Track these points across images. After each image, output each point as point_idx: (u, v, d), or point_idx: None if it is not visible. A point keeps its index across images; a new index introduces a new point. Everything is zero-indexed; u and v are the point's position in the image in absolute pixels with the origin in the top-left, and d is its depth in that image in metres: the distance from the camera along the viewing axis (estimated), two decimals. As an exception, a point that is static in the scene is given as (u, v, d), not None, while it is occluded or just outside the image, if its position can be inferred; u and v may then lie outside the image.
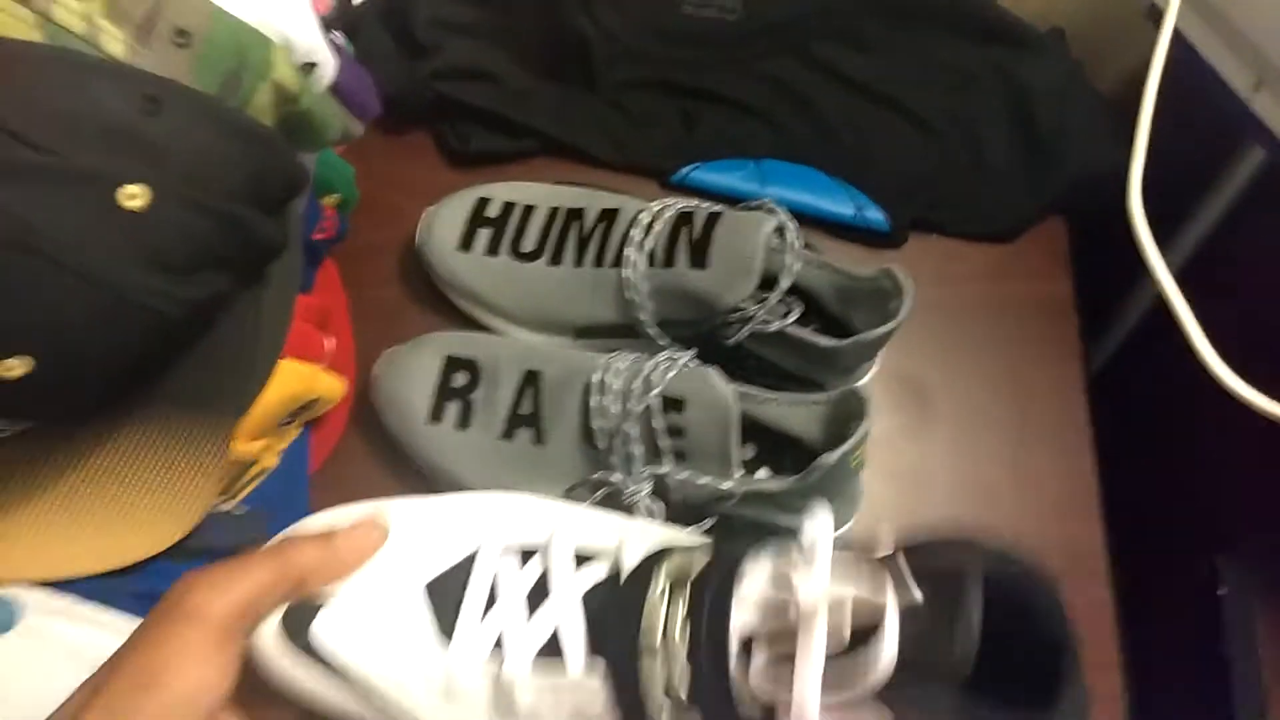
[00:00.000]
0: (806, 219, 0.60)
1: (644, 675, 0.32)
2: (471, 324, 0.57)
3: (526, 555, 0.37)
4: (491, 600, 0.35)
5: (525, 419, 0.50)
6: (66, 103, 0.29)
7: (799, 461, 0.47)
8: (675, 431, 0.48)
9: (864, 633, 0.30)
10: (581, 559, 0.36)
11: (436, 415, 0.51)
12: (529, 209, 0.55)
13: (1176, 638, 0.57)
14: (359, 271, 0.59)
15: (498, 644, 0.35)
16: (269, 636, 0.34)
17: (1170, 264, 0.63)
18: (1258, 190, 0.56)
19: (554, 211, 0.55)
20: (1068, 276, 0.61)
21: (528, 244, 0.54)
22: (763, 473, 0.53)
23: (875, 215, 0.60)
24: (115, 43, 0.32)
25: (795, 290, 0.52)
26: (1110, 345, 0.68)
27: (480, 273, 0.54)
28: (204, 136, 0.32)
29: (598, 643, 0.34)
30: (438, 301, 0.58)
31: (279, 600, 0.34)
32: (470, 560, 0.36)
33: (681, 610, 0.33)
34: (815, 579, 0.30)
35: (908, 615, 0.29)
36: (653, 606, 0.33)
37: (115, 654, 0.31)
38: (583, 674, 0.33)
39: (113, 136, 0.29)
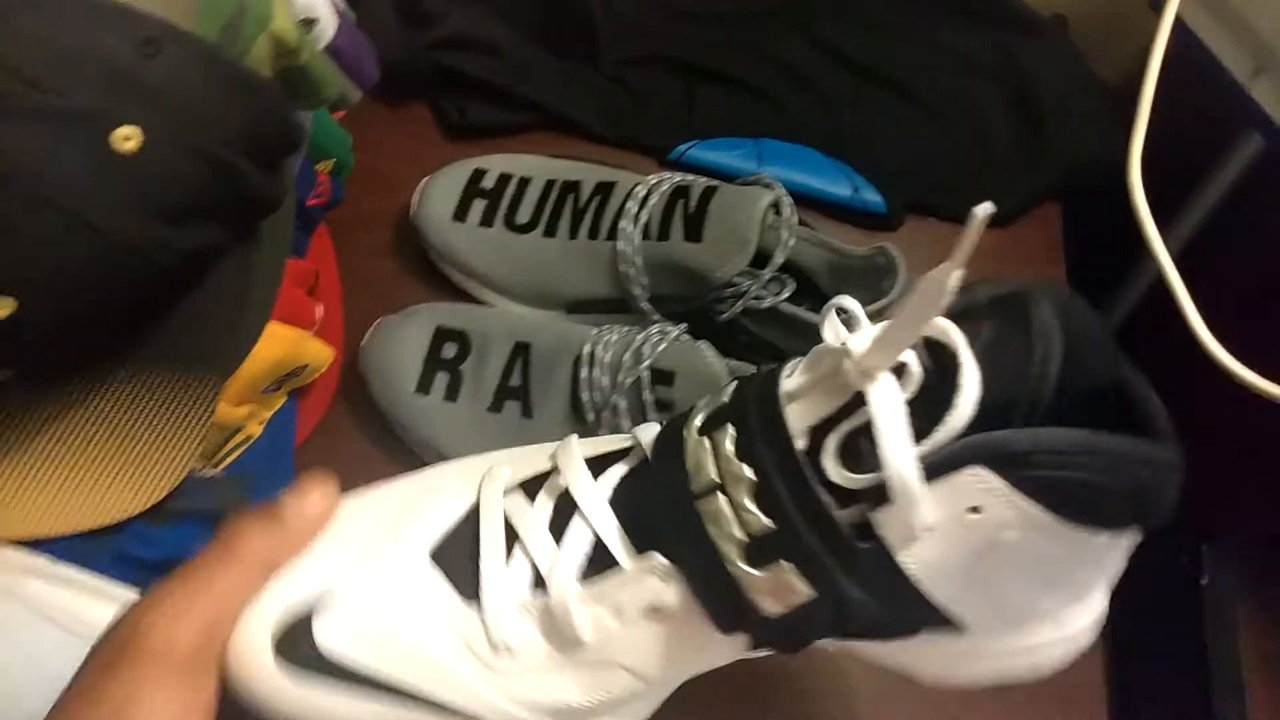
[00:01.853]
0: (803, 199, 0.60)
1: (708, 520, 0.28)
2: (464, 296, 0.57)
3: (531, 491, 0.32)
4: (511, 542, 0.31)
5: (514, 391, 0.50)
6: (66, 40, 0.28)
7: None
8: (664, 405, 0.47)
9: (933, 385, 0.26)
10: (595, 470, 0.32)
11: (424, 386, 0.51)
12: (525, 181, 0.55)
13: (1157, 625, 0.57)
14: (353, 241, 0.59)
15: (535, 582, 0.30)
16: (266, 670, 0.28)
17: (1169, 250, 0.63)
18: (1256, 177, 0.56)
19: (550, 184, 0.55)
20: (1060, 263, 0.61)
21: (522, 215, 0.54)
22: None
23: (872, 197, 0.60)
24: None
25: (790, 268, 0.52)
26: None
27: (474, 243, 0.54)
28: (201, 82, 0.31)
29: (645, 527, 0.29)
30: (431, 273, 0.57)
31: (245, 601, 0.29)
32: (473, 512, 0.31)
33: (729, 437, 0.28)
34: (866, 329, 0.26)
35: (977, 346, 0.26)
36: (694, 448, 0.28)
37: (72, 714, 0.26)
38: (636, 561, 0.29)
39: (110, 77, 0.29)
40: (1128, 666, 0.56)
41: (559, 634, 0.30)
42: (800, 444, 0.27)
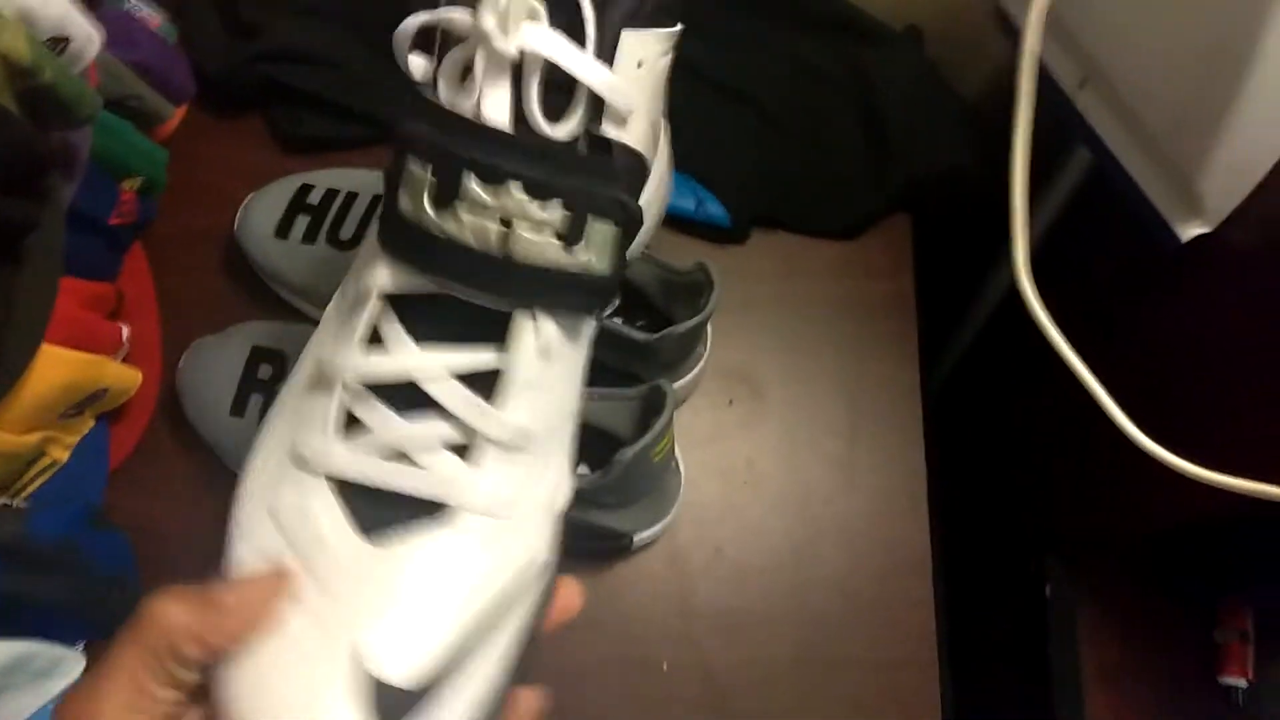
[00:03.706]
0: (649, 212, 0.60)
1: (533, 258, 0.28)
2: (294, 313, 0.55)
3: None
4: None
5: (330, 412, 0.49)
6: None
7: (617, 457, 0.46)
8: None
9: None
10: None
11: (239, 408, 0.50)
12: (352, 196, 0.54)
13: (999, 637, 0.57)
14: (180, 258, 0.57)
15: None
16: None
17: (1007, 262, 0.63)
18: (1087, 191, 0.56)
19: (377, 199, 0.53)
20: (909, 275, 0.61)
21: (346, 231, 0.53)
22: (581, 469, 0.52)
23: (716, 210, 0.59)
24: None
25: (622, 285, 0.51)
26: (958, 345, 0.68)
27: (296, 260, 0.53)
28: (-105, 107, 0.30)
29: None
30: (260, 290, 0.56)
31: (134, 687, 0.26)
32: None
33: (471, 192, 0.27)
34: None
35: None
36: (457, 229, 0.28)
37: None
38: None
39: None
40: (969, 677, 0.56)
41: None
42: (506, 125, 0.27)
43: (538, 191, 0.27)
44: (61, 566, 0.44)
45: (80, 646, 0.48)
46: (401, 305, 0.29)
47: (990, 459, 0.67)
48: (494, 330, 0.29)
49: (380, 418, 0.29)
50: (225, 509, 0.53)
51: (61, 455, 0.48)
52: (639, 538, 0.51)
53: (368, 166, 0.57)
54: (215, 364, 0.50)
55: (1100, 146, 0.51)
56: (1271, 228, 0.44)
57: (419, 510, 0.29)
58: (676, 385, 0.52)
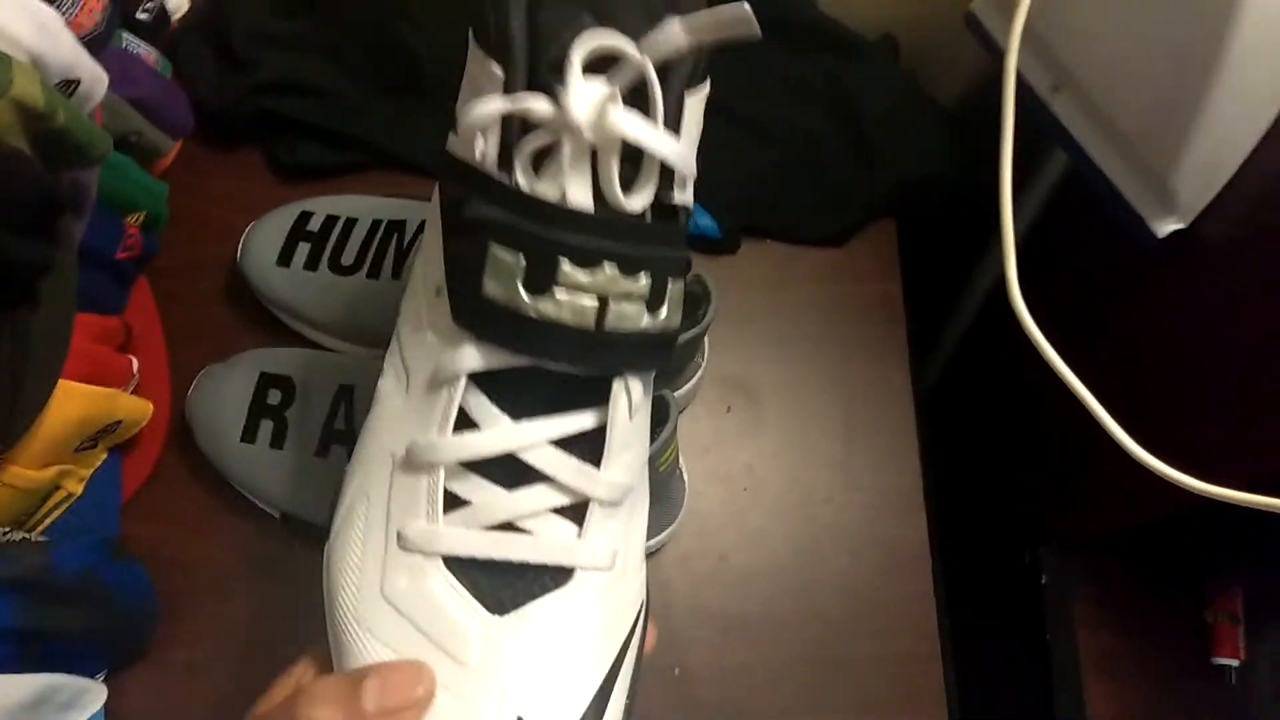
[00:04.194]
0: (641, 227, 0.61)
1: (627, 325, 0.29)
2: (299, 340, 0.56)
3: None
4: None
5: (339, 435, 0.50)
6: None
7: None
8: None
9: None
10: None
11: (250, 434, 0.50)
12: (351, 222, 0.55)
13: (998, 628, 0.59)
14: (187, 288, 0.58)
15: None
16: None
17: (991, 263, 0.65)
18: (1063, 192, 0.58)
19: (376, 224, 0.55)
20: (897, 278, 0.62)
21: (347, 257, 0.54)
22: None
23: (706, 222, 0.61)
24: None
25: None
26: (947, 344, 0.69)
27: (299, 287, 0.54)
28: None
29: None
30: (265, 317, 0.57)
31: None
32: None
33: (563, 270, 0.28)
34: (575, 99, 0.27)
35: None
36: (554, 309, 0.28)
37: None
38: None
39: None
40: (968, 670, 0.57)
41: None
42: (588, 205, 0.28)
43: (630, 267, 0.28)
44: (84, 599, 0.44)
45: (101, 677, 0.49)
46: (484, 381, 0.30)
47: (982, 455, 0.69)
48: (580, 395, 0.30)
49: (483, 493, 0.30)
50: (238, 535, 0.54)
51: (76, 488, 0.49)
52: (646, 545, 0.53)
53: (364, 192, 0.58)
54: (224, 391, 0.51)
55: (1076, 149, 0.53)
56: (1244, 221, 0.46)
57: (532, 576, 0.30)
58: (676, 395, 0.53)
